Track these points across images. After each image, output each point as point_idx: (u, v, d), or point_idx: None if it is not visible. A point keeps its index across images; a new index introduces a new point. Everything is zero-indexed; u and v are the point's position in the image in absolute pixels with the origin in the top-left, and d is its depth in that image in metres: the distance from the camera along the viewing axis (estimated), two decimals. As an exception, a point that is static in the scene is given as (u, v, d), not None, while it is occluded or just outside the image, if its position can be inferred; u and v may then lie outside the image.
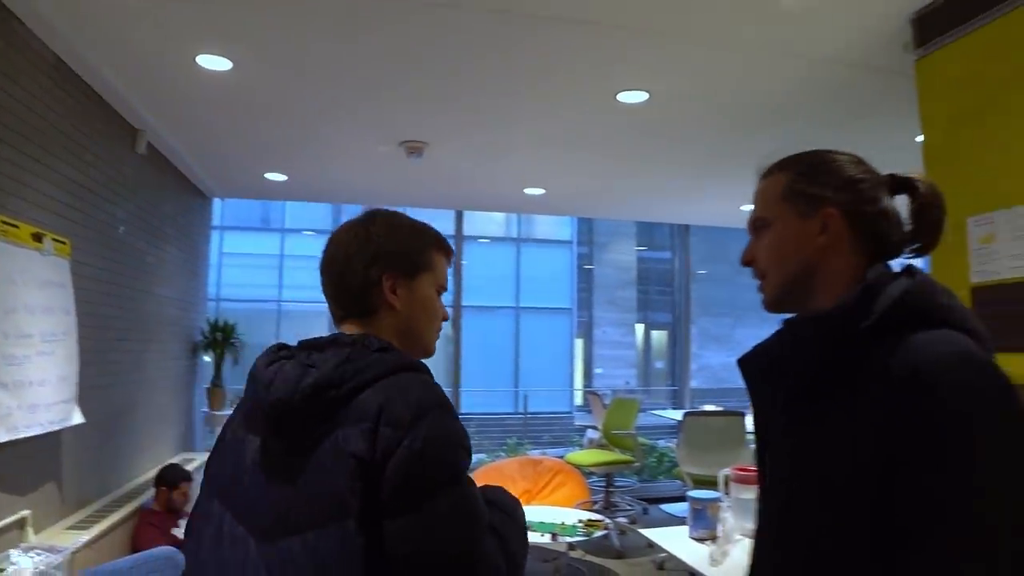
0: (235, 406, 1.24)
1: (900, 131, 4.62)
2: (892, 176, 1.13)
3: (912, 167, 1.21)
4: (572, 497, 5.71)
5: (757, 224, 1.17)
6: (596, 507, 5.95)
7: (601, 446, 6.44)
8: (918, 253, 1.15)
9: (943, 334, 0.95)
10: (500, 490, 1.23)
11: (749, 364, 1.18)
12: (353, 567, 0.96)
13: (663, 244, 17.04)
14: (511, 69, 3.77)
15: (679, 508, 6.58)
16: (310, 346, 1.13)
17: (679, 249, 14.01)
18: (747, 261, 1.17)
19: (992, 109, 2.74)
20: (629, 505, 6.45)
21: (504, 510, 1.16)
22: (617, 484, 6.36)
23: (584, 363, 16.14)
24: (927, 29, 3.02)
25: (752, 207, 1.19)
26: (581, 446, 7.50)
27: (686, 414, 5.62)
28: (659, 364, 17.09)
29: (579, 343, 16.05)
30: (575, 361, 15.73)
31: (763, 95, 4.09)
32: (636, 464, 6.14)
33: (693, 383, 10.66)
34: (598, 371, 15.66)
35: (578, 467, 5.98)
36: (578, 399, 15.27)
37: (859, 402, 0.95)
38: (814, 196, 1.09)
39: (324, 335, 1.16)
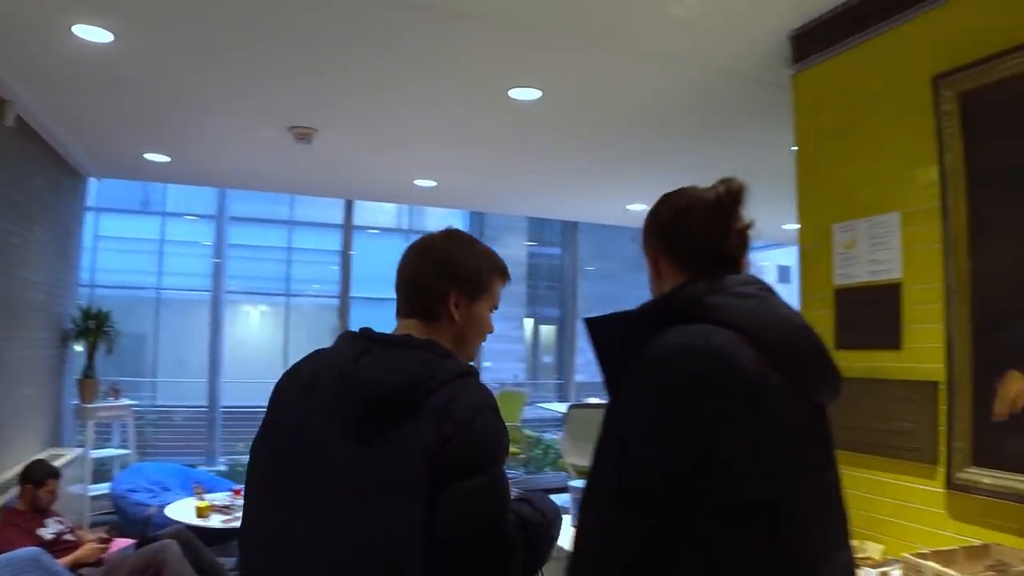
0: (283, 390, 1.38)
1: (780, 141, 4.90)
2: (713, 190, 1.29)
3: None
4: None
5: None
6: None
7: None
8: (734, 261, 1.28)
9: (687, 328, 1.12)
10: (545, 497, 1.45)
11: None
12: (416, 535, 1.13)
13: (553, 240, 17.29)
14: (404, 59, 3.71)
15: (564, 499, 6.71)
16: (385, 342, 1.30)
17: (568, 245, 14.31)
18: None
19: (856, 125, 2.94)
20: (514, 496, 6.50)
21: (539, 508, 1.37)
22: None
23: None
24: (804, 46, 3.20)
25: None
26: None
27: (570, 407, 5.75)
28: (547, 358, 17.34)
29: (471, 336, 16.10)
30: None
31: (653, 98, 4.21)
32: (522, 456, 6.23)
33: (579, 377, 10.90)
34: (487, 364, 15.74)
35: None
36: None
37: (621, 390, 1.16)
38: (648, 239, 1.34)
39: (393, 333, 1.36)
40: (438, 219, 15.73)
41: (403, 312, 1.41)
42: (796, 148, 4.74)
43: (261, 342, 14.12)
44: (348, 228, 7.54)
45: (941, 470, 2.52)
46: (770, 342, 1.12)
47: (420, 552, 1.13)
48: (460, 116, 4.59)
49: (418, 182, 6.16)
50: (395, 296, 1.44)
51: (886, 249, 2.81)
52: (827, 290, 3.03)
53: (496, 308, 1.48)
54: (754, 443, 1.06)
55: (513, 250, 17.03)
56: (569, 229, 8.41)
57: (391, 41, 3.49)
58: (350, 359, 1.27)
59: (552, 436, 8.26)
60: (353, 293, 7.82)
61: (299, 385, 1.34)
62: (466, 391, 1.24)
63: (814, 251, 3.12)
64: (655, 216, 1.32)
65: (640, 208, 7.02)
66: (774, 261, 13.72)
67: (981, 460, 2.40)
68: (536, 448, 7.19)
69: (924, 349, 2.63)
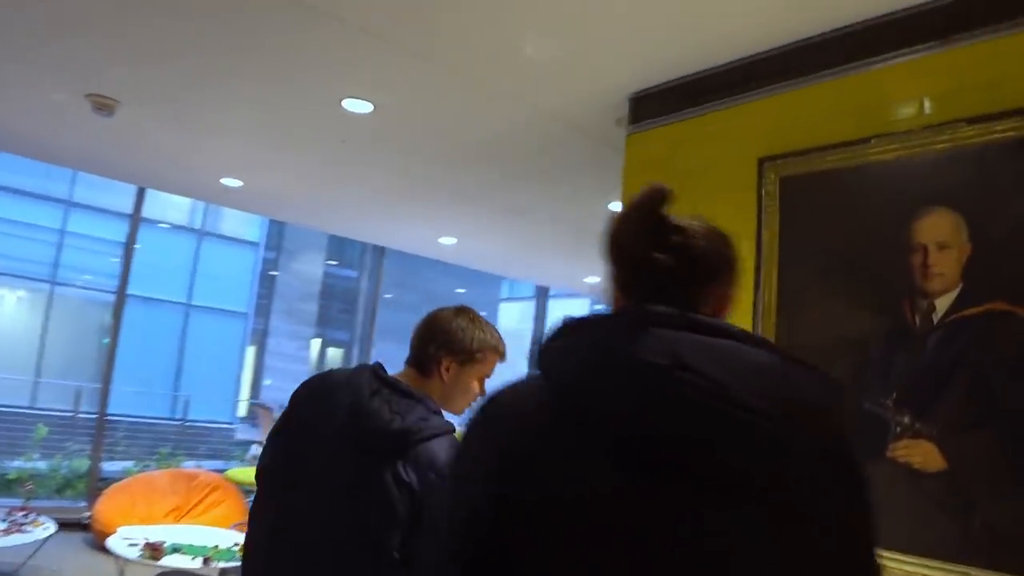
0: (300, 402, 1.64)
1: (597, 196, 5.04)
2: None
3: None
4: (229, 517, 5.17)
5: None
6: (254, 528, 5.45)
7: (267, 463, 5.95)
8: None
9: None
10: None
11: None
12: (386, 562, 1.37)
13: (352, 262, 16.80)
14: (237, 44, 3.30)
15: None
16: (393, 386, 1.54)
17: (368, 269, 13.91)
18: None
19: (681, 192, 3.01)
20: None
21: None
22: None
23: (253, 373, 15.10)
24: (641, 110, 3.27)
25: None
26: (244, 461, 6.89)
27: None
28: (331, 381, 16.67)
29: (251, 351, 15.00)
30: (244, 370, 14.64)
31: (488, 135, 4.11)
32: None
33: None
34: (267, 383, 14.77)
35: (239, 485, 5.45)
36: (242, 411, 14.19)
37: None
38: None
39: (399, 379, 1.59)
40: (236, 223, 14.66)
41: (409, 360, 1.69)
42: (614, 205, 4.91)
43: (13, 332, 12.23)
44: (136, 219, 6.70)
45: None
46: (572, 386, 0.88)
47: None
48: (285, 116, 4.18)
49: (225, 180, 5.57)
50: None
51: (699, 312, 2.90)
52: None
53: (487, 377, 1.71)
54: None
55: (310, 267, 16.30)
56: (376, 254, 8.09)
57: (225, 20, 3.09)
58: (365, 395, 1.50)
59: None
60: (131, 290, 6.93)
61: (316, 401, 1.59)
62: (449, 448, 1.45)
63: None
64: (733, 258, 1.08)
65: (450, 241, 6.95)
66: (566, 311, 14.28)
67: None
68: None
69: (727, 411, 2.71)
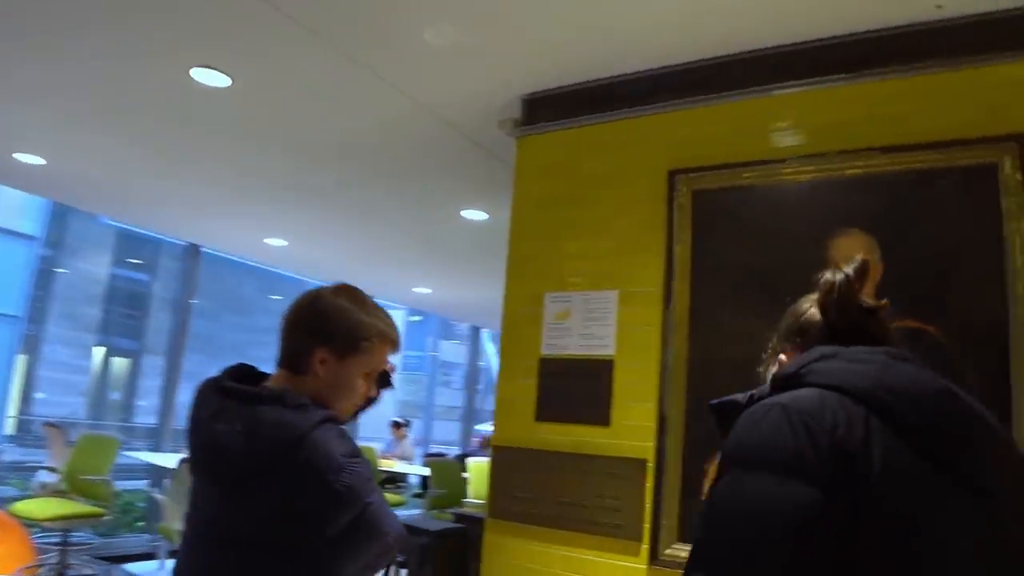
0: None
1: (451, 204, 4.86)
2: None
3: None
4: (11, 560, 4.29)
5: None
6: (44, 571, 4.60)
7: (59, 492, 5.04)
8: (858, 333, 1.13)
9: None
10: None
11: None
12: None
13: (143, 264, 15.16)
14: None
15: (149, 567, 5.56)
16: (239, 396, 1.27)
17: (164, 273, 12.59)
18: None
19: (582, 201, 2.93)
20: (90, 567, 5.15)
21: None
22: (74, 541, 5.02)
23: (23, 385, 12.95)
24: (537, 111, 3.14)
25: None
26: (28, 491, 5.84)
27: (183, 460, 4.77)
28: (115, 395, 14.84)
29: (22, 360, 12.84)
30: (12, 381, 12.46)
31: (354, 123, 3.74)
32: (108, 517, 4.96)
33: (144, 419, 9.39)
34: (40, 396, 12.79)
35: (25, 520, 4.56)
36: (9, 428, 12.06)
37: None
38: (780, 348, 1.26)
39: (243, 387, 1.29)
40: (8, 214, 12.55)
41: (279, 359, 1.37)
42: (467, 213, 4.77)
43: None
44: None
45: (645, 547, 2.50)
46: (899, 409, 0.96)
47: None
48: (112, 78, 3.46)
49: (19, 155, 4.64)
50: None
51: (601, 325, 2.80)
52: (531, 359, 2.92)
53: (375, 374, 1.40)
54: None
55: (96, 267, 14.44)
56: (189, 255, 7.27)
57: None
58: (207, 420, 1.26)
59: (131, 490, 6.88)
60: None
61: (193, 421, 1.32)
62: (319, 445, 1.20)
63: (521, 317, 3.00)
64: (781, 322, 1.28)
65: (279, 243, 6.40)
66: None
67: (688, 537, 2.44)
68: (116, 503, 5.82)
69: (635, 427, 2.63)
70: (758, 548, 0.88)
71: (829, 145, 2.45)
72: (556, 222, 2.98)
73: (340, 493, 1.17)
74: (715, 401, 1.17)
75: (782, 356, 1.21)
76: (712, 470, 2.44)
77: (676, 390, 2.58)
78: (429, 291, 8.53)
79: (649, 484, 2.55)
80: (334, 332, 1.34)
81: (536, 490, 2.76)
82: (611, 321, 2.79)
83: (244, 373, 1.36)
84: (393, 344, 1.42)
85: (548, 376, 2.88)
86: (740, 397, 1.11)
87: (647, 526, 2.52)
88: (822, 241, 2.41)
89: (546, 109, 3.10)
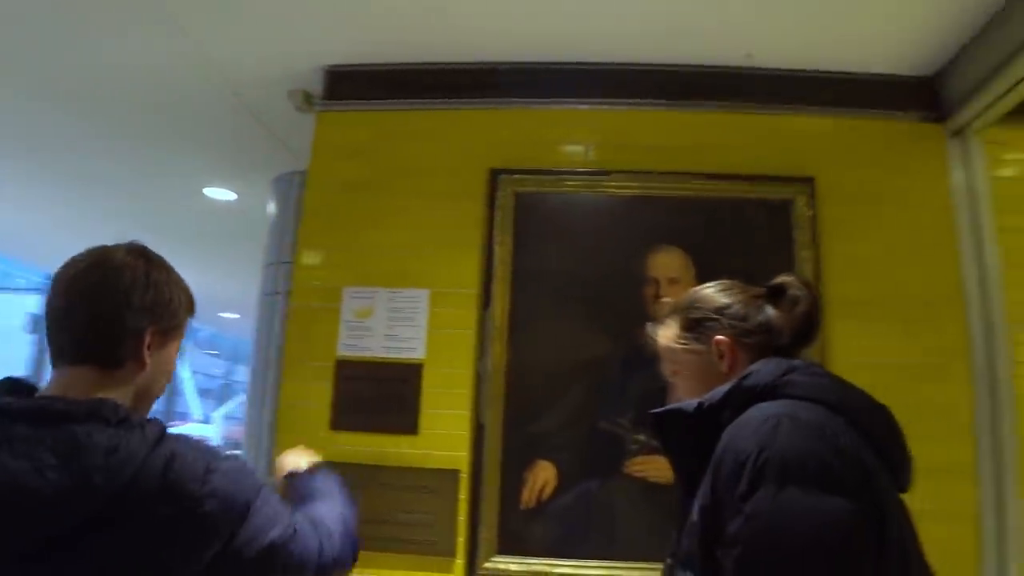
0: None
1: (196, 178, 4.24)
2: (768, 287, 1.30)
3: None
4: None
5: (671, 372, 1.35)
6: None
7: None
8: (802, 345, 1.28)
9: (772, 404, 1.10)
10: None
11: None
12: None
13: None
14: None
15: None
16: (29, 416, 0.95)
17: None
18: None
19: (391, 190, 2.80)
20: None
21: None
22: None
23: None
24: (341, 86, 2.91)
25: (662, 357, 1.36)
26: None
27: None
28: None
29: None
30: None
31: (113, 64, 3.05)
32: None
33: None
34: None
35: None
36: None
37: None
38: (703, 332, 1.28)
39: (43, 396, 1.03)
40: None
41: (68, 357, 1.07)
42: (209, 190, 4.29)
43: None
44: None
45: (460, 562, 2.46)
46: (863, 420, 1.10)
47: None
48: None
49: None
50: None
51: (409, 326, 2.70)
52: (326, 360, 2.70)
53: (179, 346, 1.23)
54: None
55: None
56: None
57: None
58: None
59: None
60: None
61: None
62: (175, 460, 0.99)
63: (313, 313, 2.76)
64: (708, 297, 1.33)
65: None
66: (26, 308, 11.34)
67: (507, 548, 2.46)
68: None
69: (447, 436, 2.58)
70: (821, 566, 0.94)
71: (653, 165, 2.69)
72: (360, 209, 2.79)
73: (217, 525, 1.00)
74: (658, 410, 1.21)
75: (720, 337, 1.26)
76: (538, 478, 2.52)
77: (494, 397, 2.59)
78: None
79: (463, 496, 2.51)
80: (160, 306, 1.14)
81: (334, 509, 2.54)
82: (421, 322, 2.69)
83: (13, 387, 1.04)
84: (194, 309, 1.25)
85: (346, 380, 2.67)
86: (686, 406, 1.17)
87: (462, 540, 2.48)
88: (642, 255, 2.64)
89: (354, 85, 2.89)
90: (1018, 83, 2.37)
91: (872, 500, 0.98)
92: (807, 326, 1.25)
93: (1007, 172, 2.72)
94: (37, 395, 1.04)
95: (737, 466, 1.00)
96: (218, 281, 6.81)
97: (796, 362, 1.16)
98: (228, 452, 1.14)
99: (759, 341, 1.24)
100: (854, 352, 2.52)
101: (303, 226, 2.85)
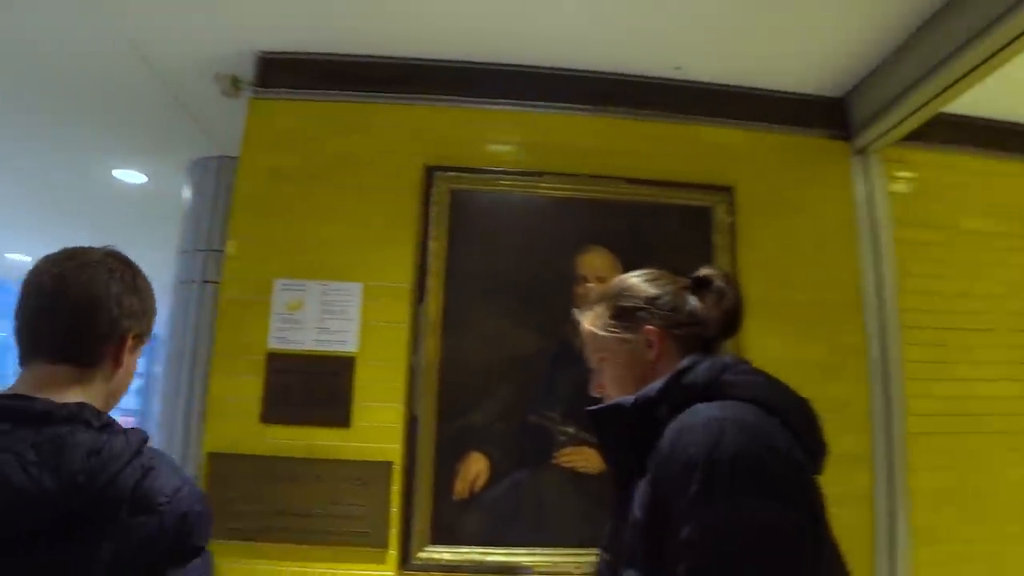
0: None
1: (101, 163, 4.07)
2: (692, 278, 1.32)
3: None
4: None
5: (595, 359, 1.33)
6: None
7: None
8: (726, 338, 1.30)
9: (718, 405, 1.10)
10: None
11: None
12: None
13: None
14: None
15: None
16: (14, 415, 0.98)
17: None
18: (600, 391, 1.33)
19: (325, 181, 2.82)
20: None
21: None
22: None
23: None
24: (275, 73, 2.89)
25: (586, 344, 1.34)
26: None
27: None
28: None
29: None
30: None
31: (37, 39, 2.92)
32: None
33: None
34: None
35: None
36: None
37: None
38: (633, 320, 1.27)
39: (18, 392, 1.03)
40: None
41: (46, 354, 1.08)
42: (120, 173, 4.15)
43: None
44: None
45: (393, 553, 2.54)
46: (791, 419, 1.12)
47: None
48: None
49: None
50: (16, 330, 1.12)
51: (342, 319, 2.74)
52: (256, 353, 2.70)
53: None
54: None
55: None
56: None
57: None
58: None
59: None
60: None
61: None
62: (151, 471, 1.02)
63: (244, 304, 2.74)
64: (635, 287, 1.32)
65: None
66: None
67: (440, 538, 2.55)
68: None
69: (380, 428, 2.63)
70: (773, 570, 0.97)
71: (582, 168, 2.83)
72: (292, 200, 2.79)
73: (183, 541, 1.03)
74: (595, 407, 1.21)
75: (650, 327, 1.25)
76: (470, 470, 2.62)
77: (427, 391, 2.66)
78: (29, 259, 6.81)
79: (396, 487, 2.58)
80: (147, 312, 1.19)
81: (264, 502, 2.55)
82: (354, 315, 2.73)
83: None
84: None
85: (277, 373, 2.68)
86: (623, 401, 1.18)
87: (395, 531, 2.55)
88: (572, 254, 2.78)
89: (288, 73, 2.88)
90: (916, 110, 2.65)
91: (811, 502, 1.04)
92: (733, 319, 1.29)
93: (902, 188, 3.01)
94: (9, 392, 1.04)
95: (685, 470, 1.00)
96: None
97: (728, 359, 1.19)
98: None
99: (687, 332, 1.25)
100: (764, 349, 2.74)
101: (233, 216, 2.83)
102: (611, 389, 1.29)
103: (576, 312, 1.39)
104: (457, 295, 2.74)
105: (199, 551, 1.06)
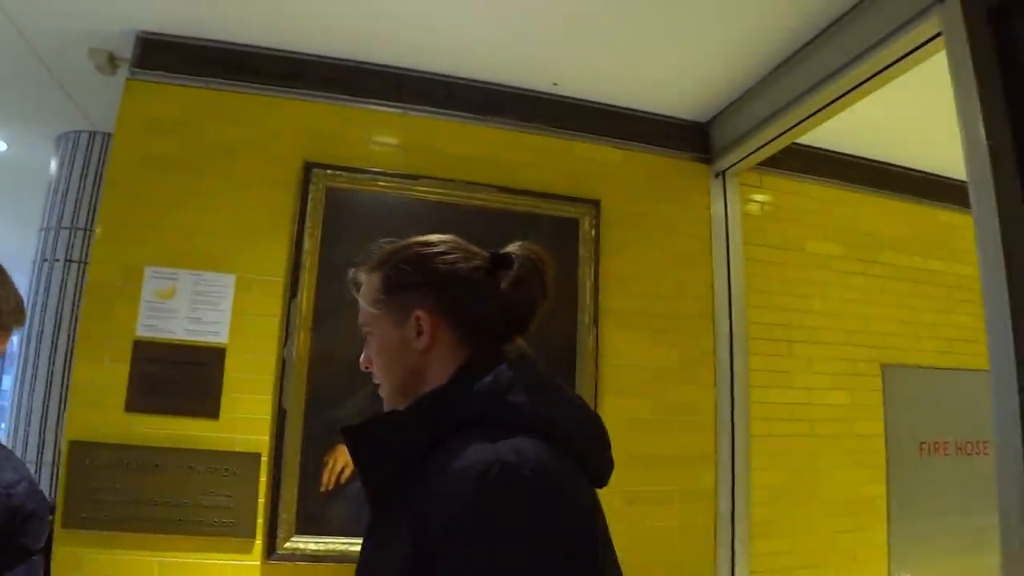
0: None
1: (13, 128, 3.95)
2: (492, 254, 1.16)
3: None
4: None
5: (363, 330, 1.18)
6: None
7: None
8: (516, 333, 1.14)
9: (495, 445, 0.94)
10: None
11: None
12: None
13: None
14: None
15: None
16: None
17: None
18: (366, 366, 1.19)
19: (196, 169, 2.90)
20: None
21: None
22: None
23: None
24: (154, 55, 2.94)
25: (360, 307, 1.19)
26: None
27: None
28: None
29: None
30: None
31: None
32: None
33: None
34: None
35: None
36: None
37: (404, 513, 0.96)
38: (405, 300, 1.11)
39: None
40: None
41: None
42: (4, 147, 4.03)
43: None
44: None
45: (259, 543, 2.69)
46: (575, 446, 1.02)
47: None
48: None
49: None
50: None
51: (213, 310, 2.85)
52: (123, 340, 2.78)
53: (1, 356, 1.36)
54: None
55: None
56: None
57: None
58: None
59: None
60: None
61: None
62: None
63: (111, 290, 2.80)
64: (419, 257, 1.15)
65: None
66: None
67: (306, 528, 2.73)
68: None
69: (248, 420, 2.77)
70: None
71: (458, 174, 3.04)
72: (166, 187, 2.87)
73: (11, 539, 1.11)
74: (349, 425, 1.07)
75: (421, 313, 1.10)
76: (337, 462, 2.79)
77: (296, 384, 2.82)
78: None
79: (264, 478, 2.73)
80: None
81: (127, 492, 2.64)
82: (226, 307, 2.85)
83: None
84: (21, 323, 1.38)
85: (144, 362, 2.77)
86: (379, 422, 1.08)
87: (261, 521, 2.70)
88: (446, 258, 2.97)
89: (168, 56, 2.94)
90: (771, 140, 3.00)
91: (593, 552, 0.93)
92: (526, 311, 1.12)
93: (756, 210, 3.38)
94: None
95: (451, 530, 0.87)
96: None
97: (510, 373, 1.03)
98: None
99: (470, 325, 1.10)
100: (620, 355, 3.06)
101: (104, 199, 2.88)
102: (378, 372, 1.16)
103: (353, 272, 1.22)
104: (329, 291, 2.89)
105: (27, 554, 1.11)
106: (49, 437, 3.23)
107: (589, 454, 1.03)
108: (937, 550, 3.48)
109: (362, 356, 1.19)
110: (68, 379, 3.20)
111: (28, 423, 3.42)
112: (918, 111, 3.05)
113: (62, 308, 3.54)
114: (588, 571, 0.89)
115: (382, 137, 3.05)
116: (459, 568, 0.85)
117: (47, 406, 3.42)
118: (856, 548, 3.36)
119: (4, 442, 1.26)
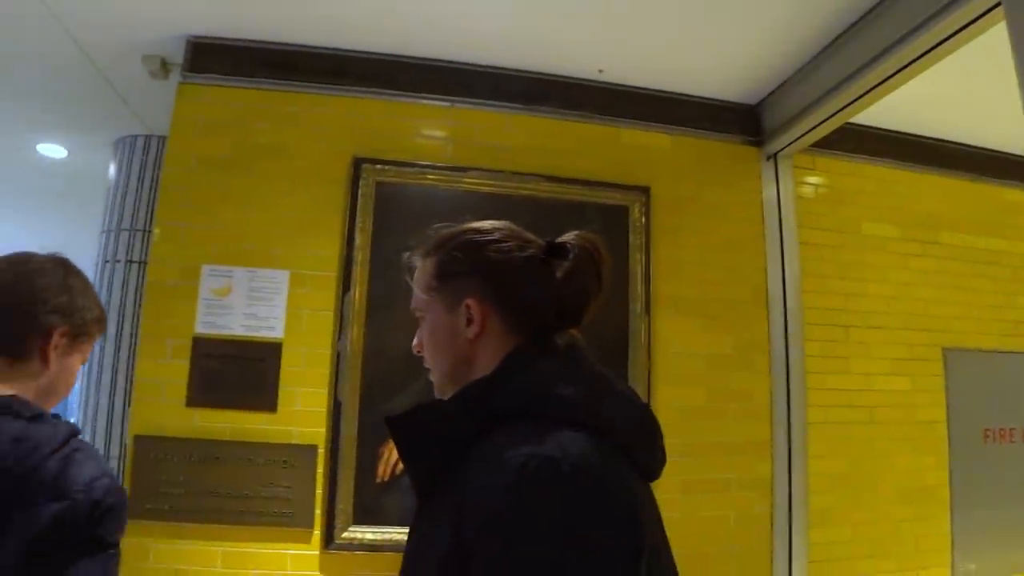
0: None
1: (39, 131, 4.12)
2: (548, 243, 1.15)
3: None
4: None
5: (416, 314, 1.20)
6: None
7: None
8: (569, 326, 1.14)
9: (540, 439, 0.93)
10: None
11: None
12: None
13: None
14: None
15: None
16: None
17: None
18: (418, 349, 1.21)
19: (249, 169, 3.00)
20: None
21: None
22: None
23: None
24: (205, 59, 3.05)
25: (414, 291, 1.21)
26: None
27: None
28: None
29: None
30: None
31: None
32: None
33: None
34: None
35: None
36: None
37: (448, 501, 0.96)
38: (456, 287, 1.12)
39: None
40: None
41: None
42: (44, 148, 4.22)
43: None
44: None
45: (317, 533, 2.78)
46: (623, 439, 1.01)
47: None
48: None
49: None
50: None
51: (268, 305, 2.94)
52: (183, 337, 2.89)
53: (84, 362, 1.42)
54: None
55: None
56: None
57: None
58: None
59: None
60: None
61: None
62: (75, 460, 1.15)
63: (171, 289, 2.92)
64: (473, 244, 1.15)
65: None
66: None
67: (363, 519, 2.81)
68: None
69: (305, 413, 2.87)
70: None
71: (505, 165, 3.09)
72: (220, 187, 2.98)
73: (91, 532, 1.13)
74: (393, 415, 1.10)
75: (471, 301, 1.11)
76: (391, 453, 2.86)
77: (351, 376, 2.90)
78: None
79: (321, 470, 2.82)
80: (74, 312, 1.31)
81: (190, 484, 2.76)
82: (280, 302, 2.94)
83: None
84: (103, 331, 1.43)
85: (203, 357, 2.88)
86: (425, 410, 1.09)
87: (319, 512, 2.80)
88: (495, 249, 3.02)
89: (219, 59, 3.05)
90: (824, 120, 2.98)
91: (635, 550, 0.90)
92: (581, 303, 1.11)
93: (809, 193, 3.36)
94: None
95: (486, 518, 0.87)
96: (45, 239, 6.49)
97: (557, 366, 1.04)
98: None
99: (521, 314, 1.10)
100: (673, 343, 3.07)
101: (161, 200, 3.00)
102: (428, 357, 1.18)
103: (410, 256, 1.24)
104: (381, 285, 2.97)
105: (107, 547, 1.15)
106: (115, 432, 3.37)
107: (639, 447, 1.02)
108: (1002, 541, 3.42)
109: (415, 339, 1.20)
110: (132, 376, 3.32)
111: (95, 419, 3.57)
112: (977, 86, 3.00)
113: (124, 307, 3.68)
114: (624, 571, 0.87)
115: (429, 130, 3.11)
116: (492, 561, 0.85)
117: (113, 402, 3.57)
118: (918, 538, 3.33)
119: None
